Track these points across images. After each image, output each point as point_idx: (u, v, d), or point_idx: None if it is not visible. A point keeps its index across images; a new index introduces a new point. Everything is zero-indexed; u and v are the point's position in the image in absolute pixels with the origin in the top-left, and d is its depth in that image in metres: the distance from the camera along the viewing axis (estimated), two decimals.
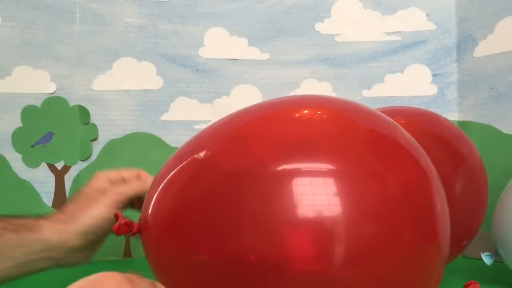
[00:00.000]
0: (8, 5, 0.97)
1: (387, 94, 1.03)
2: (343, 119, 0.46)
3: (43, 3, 0.99)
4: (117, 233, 0.48)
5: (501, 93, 0.94)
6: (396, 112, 0.73)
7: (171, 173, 0.45)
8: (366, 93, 1.04)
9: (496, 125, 0.96)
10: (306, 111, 0.46)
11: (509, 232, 0.70)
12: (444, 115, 1.00)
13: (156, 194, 0.46)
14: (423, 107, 1.02)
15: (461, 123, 0.99)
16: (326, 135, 0.43)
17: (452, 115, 1.01)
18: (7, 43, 0.97)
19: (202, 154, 0.43)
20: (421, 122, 0.73)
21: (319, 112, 0.45)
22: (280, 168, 0.39)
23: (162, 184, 0.45)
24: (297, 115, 0.45)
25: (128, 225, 0.48)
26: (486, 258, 0.71)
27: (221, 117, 0.50)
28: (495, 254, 0.72)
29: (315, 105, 0.47)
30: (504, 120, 0.95)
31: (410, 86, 1.04)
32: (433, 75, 1.03)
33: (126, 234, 0.48)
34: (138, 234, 0.49)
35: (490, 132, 0.96)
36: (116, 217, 0.48)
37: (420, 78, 1.04)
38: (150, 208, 0.46)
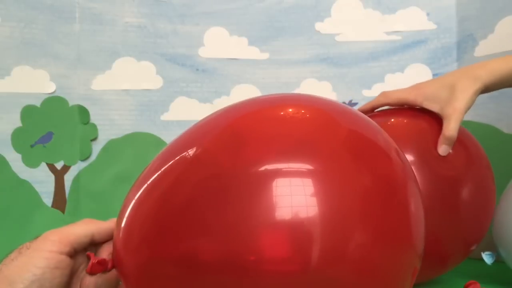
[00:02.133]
0: (8, 5, 0.97)
1: None
2: (325, 119, 0.46)
3: (42, 3, 0.99)
4: (91, 274, 0.46)
5: (502, 93, 0.94)
6: (403, 113, 0.73)
7: (145, 185, 0.44)
8: (366, 92, 1.04)
9: (497, 125, 0.96)
10: (289, 110, 0.46)
11: (509, 232, 0.69)
12: None
13: (130, 207, 0.44)
14: None
15: (461, 123, 0.99)
16: (305, 134, 0.43)
17: None
18: (7, 42, 0.97)
19: (179, 158, 0.43)
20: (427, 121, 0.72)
21: (302, 111, 0.46)
22: (262, 168, 0.40)
23: (136, 197, 0.44)
24: (281, 113, 0.46)
25: (101, 263, 0.45)
26: (487, 258, 0.71)
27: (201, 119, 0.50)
28: (496, 254, 0.72)
29: (296, 104, 0.48)
30: (504, 120, 0.95)
31: (410, 85, 1.03)
32: (434, 75, 1.03)
33: (101, 272, 0.46)
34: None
35: (490, 132, 0.96)
36: (88, 257, 0.46)
37: (420, 77, 1.03)
38: (123, 222, 0.44)
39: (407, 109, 0.74)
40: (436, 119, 0.70)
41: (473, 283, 0.55)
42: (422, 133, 0.69)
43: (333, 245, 0.38)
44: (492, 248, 0.74)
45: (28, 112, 0.98)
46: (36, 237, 0.47)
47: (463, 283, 0.56)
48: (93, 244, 0.49)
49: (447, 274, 0.79)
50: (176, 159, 0.43)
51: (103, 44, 1.02)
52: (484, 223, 0.74)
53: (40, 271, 0.44)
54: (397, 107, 0.76)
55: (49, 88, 0.99)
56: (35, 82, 0.99)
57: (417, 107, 0.72)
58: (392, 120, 0.72)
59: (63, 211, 0.99)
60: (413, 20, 1.04)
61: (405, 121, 0.72)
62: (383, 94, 0.76)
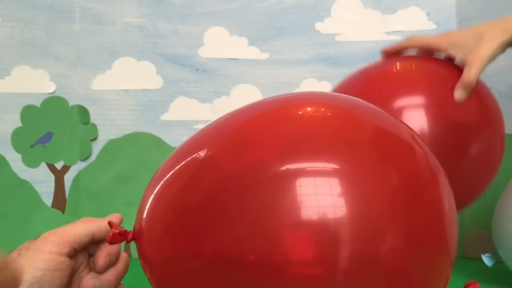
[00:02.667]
0: (8, 5, 0.97)
1: None
2: (347, 117, 0.44)
3: (42, 3, 0.99)
4: (111, 243, 0.46)
5: (502, 92, 0.94)
6: (426, 60, 0.72)
7: (167, 176, 0.44)
8: None
9: None
10: (308, 109, 0.44)
11: (509, 232, 0.69)
12: None
13: (151, 198, 0.44)
14: None
15: None
16: (329, 133, 0.42)
17: None
18: (7, 42, 0.97)
19: (200, 155, 0.43)
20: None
21: (323, 110, 0.44)
22: (282, 168, 0.38)
23: (158, 187, 0.44)
24: (300, 112, 0.44)
25: (122, 234, 0.45)
26: (487, 260, 0.71)
27: (220, 116, 0.49)
28: (496, 255, 0.72)
29: (317, 102, 0.46)
30: (504, 120, 0.95)
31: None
32: None
33: (120, 243, 0.46)
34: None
35: None
36: (110, 225, 0.47)
37: None
38: (145, 213, 0.44)
39: (431, 57, 0.73)
40: (458, 70, 0.68)
41: (473, 283, 0.54)
42: (441, 79, 0.68)
43: (361, 248, 0.36)
44: (491, 249, 0.74)
45: (28, 112, 0.98)
46: (36, 237, 0.47)
47: (463, 283, 0.56)
48: (93, 243, 0.49)
49: None
50: (194, 156, 0.42)
51: (103, 44, 1.02)
52: (486, 179, 0.72)
53: (39, 273, 0.44)
54: (422, 54, 0.74)
55: (49, 88, 0.99)
56: (35, 82, 0.99)
57: (443, 53, 0.71)
58: (414, 64, 0.71)
59: (63, 211, 0.99)
60: (413, 20, 1.04)
61: (426, 65, 0.70)
62: (409, 39, 0.75)
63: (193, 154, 0.43)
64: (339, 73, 1.04)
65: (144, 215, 0.44)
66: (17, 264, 0.44)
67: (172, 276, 0.41)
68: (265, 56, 1.05)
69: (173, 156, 0.46)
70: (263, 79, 1.04)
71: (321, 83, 1.04)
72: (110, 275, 0.49)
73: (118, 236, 0.45)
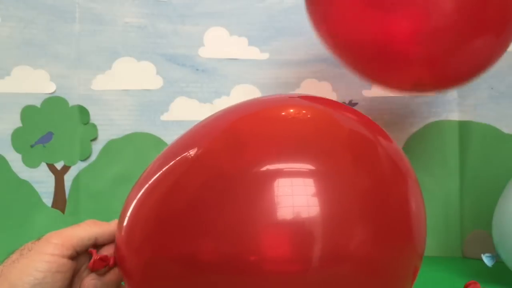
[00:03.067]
0: (8, 5, 0.97)
1: (387, 94, 1.03)
2: (325, 119, 0.46)
3: (42, 3, 0.99)
4: (93, 270, 0.46)
5: (502, 92, 0.94)
6: None
7: (147, 184, 0.44)
8: (366, 92, 1.04)
9: (496, 125, 0.96)
10: (291, 110, 0.46)
11: (509, 232, 0.69)
12: (444, 115, 1.01)
13: (130, 210, 0.44)
14: (424, 106, 1.02)
15: (461, 123, 0.99)
16: (307, 135, 0.43)
17: (452, 115, 1.00)
18: (7, 43, 0.97)
19: (189, 154, 0.43)
20: None
21: (303, 112, 0.46)
22: (263, 169, 0.40)
23: (137, 199, 0.44)
24: (283, 114, 0.46)
25: (104, 259, 0.46)
26: (487, 260, 0.71)
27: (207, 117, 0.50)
28: (496, 255, 0.72)
29: (299, 104, 0.48)
30: (504, 120, 0.95)
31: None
32: None
33: (102, 268, 0.47)
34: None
35: (490, 132, 0.96)
36: (90, 253, 0.47)
37: None
38: (124, 229, 0.44)
39: None
40: None
41: (473, 283, 0.55)
42: None
43: (334, 245, 0.39)
44: (491, 249, 0.74)
45: (28, 112, 0.98)
46: (39, 238, 0.47)
47: (463, 283, 0.56)
48: (95, 246, 0.49)
49: (447, 274, 0.79)
50: (178, 159, 0.43)
51: (103, 44, 1.02)
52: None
53: (41, 275, 0.44)
54: None
55: (49, 88, 0.99)
56: (35, 82, 0.99)
57: None
58: None
59: (63, 211, 0.99)
60: None
61: None
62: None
63: (174, 159, 0.44)
64: (339, 73, 1.04)
65: (125, 224, 0.44)
66: (14, 269, 0.44)
67: (150, 282, 0.41)
68: (265, 56, 1.05)
69: (152, 164, 0.47)
70: (263, 79, 1.04)
71: (321, 83, 1.05)
72: (111, 276, 0.49)
73: (99, 262, 0.46)
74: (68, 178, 1.00)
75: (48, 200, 0.99)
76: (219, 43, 1.05)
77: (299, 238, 0.38)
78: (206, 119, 0.49)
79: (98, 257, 0.46)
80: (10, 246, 0.47)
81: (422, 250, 0.46)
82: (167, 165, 0.44)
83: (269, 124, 0.44)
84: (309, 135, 0.43)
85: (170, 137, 1.02)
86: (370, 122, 0.48)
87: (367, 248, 0.40)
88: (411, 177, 0.46)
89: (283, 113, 0.46)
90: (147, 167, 0.47)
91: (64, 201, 0.99)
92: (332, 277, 0.39)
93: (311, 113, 0.46)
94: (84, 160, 1.01)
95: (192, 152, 0.43)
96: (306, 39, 1.05)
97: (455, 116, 1.01)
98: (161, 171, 0.43)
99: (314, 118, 0.46)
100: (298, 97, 0.52)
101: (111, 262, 0.46)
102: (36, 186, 0.98)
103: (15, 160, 0.97)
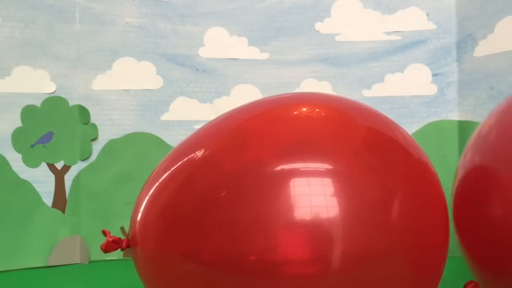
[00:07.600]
0: (8, 5, 0.97)
1: (387, 94, 1.03)
2: (342, 118, 0.45)
3: (43, 3, 0.99)
4: (105, 251, 0.46)
5: (502, 92, 0.94)
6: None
7: (161, 179, 0.44)
8: (366, 92, 1.04)
9: None
10: (304, 109, 0.45)
11: None
12: (444, 115, 1.01)
13: (145, 202, 0.44)
14: (423, 106, 1.02)
15: (461, 123, 0.99)
16: (324, 134, 0.42)
17: (452, 115, 1.01)
18: (7, 43, 0.97)
19: (198, 155, 0.43)
20: None
21: (317, 110, 0.45)
22: (278, 168, 0.39)
23: (152, 190, 0.44)
24: (295, 113, 0.45)
25: (117, 241, 0.46)
26: None
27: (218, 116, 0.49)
28: None
29: (313, 103, 0.47)
30: None
31: (410, 85, 1.04)
32: (433, 75, 1.03)
33: (115, 250, 0.47)
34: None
35: None
36: (104, 234, 0.47)
37: (420, 77, 1.04)
38: (139, 218, 0.44)
39: None
40: None
41: (473, 283, 0.55)
42: None
43: (353, 247, 0.37)
44: None
45: (28, 112, 0.98)
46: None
47: (463, 283, 0.56)
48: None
49: (447, 274, 0.79)
50: (187, 158, 0.43)
51: (103, 44, 1.02)
52: None
53: None
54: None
55: (49, 88, 0.99)
56: (35, 82, 0.99)
57: None
58: None
59: (63, 211, 0.99)
60: (413, 20, 1.04)
61: None
62: None
63: (190, 155, 0.43)
64: (339, 73, 1.04)
65: (138, 218, 0.44)
66: None
67: (167, 278, 0.41)
68: (265, 56, 1.05)
69: (164, 161, 0.46)
70: (263, 79, 1.04)
71: (321, 83, 1.05)
72: None
73: (112, 244, 0.46)
74: (68, 178, 1.00)
75: (48, 200, 0.99)
76: (219, 43, 1.05)
77: (317, 240, 0.37)
78: (215, 119, 0.48)
79: (112, 239, 0.46)
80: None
81: (445, 254, 0.44)
82: (177, 164, 0.43)
83: (278, 123, 0.43)
84: (324, 133, 0.42)
85: (170, 137, 1.02)
86: (386, 119, 0.47)
87: (387, 251, 0.38)
88: (431, 173, 0.44)
89: (296, 112, 0.45)
90: (157, 166, 0.46)
91: (64, 201, 0.99)
92: (350, 281, 0.37)
93: (325, 112, 0.45)
94: (84, 160, 1.01)
95: (200, 152, 0.43)
96: (306, 39, 1.05)
97: (455, 116, 1.01)
98: (171, 170, 0.43)
99: (328, 116, 0.45)
100: (311, 95, 0.51)
101: (124, 245, 0.46)
102: (37, 186, 0.98)
103: (15, 160, 0.97)
